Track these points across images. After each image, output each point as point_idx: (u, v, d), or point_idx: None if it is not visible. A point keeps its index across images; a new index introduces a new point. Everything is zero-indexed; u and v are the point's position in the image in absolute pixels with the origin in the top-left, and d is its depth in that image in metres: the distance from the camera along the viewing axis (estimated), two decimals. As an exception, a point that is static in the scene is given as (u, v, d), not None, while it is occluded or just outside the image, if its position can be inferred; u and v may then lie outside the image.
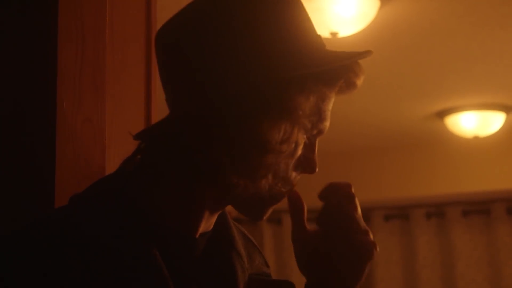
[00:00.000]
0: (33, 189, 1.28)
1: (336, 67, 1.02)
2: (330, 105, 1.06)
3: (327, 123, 1.07)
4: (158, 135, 1.04)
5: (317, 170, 1.07)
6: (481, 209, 5.85)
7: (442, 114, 4.79)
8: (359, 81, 1.07)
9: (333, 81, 1.04)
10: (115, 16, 1.44)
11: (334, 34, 3.14)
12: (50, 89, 1.30)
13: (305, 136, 1.04)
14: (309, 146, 1.06)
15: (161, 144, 1.04)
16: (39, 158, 1.29)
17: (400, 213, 6.05)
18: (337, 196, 1.08)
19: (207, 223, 1.08)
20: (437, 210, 5.95)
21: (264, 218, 1.08)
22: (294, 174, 1.06)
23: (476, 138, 4.84)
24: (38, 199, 1.27)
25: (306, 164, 1.06)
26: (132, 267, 0.97)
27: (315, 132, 1.05)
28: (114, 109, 1.41)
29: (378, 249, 1.07)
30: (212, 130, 0.98)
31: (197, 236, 1.06)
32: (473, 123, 4.71)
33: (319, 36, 1.05)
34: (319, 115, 1.04)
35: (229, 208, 1.13)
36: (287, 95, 0.99)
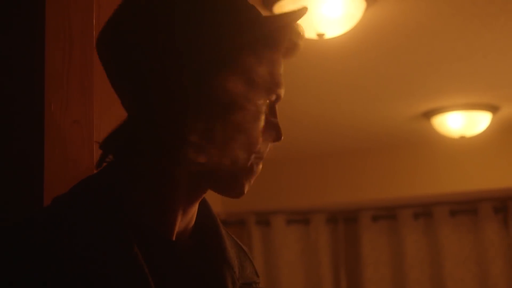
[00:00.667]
0: (22, 191, 1.28)
1: (278, 29, 1.05)
2: (281, 69, 1.08)
3: (282, 88, 1.08)
4: (120, 136, 1.04)
5: (282, 137, 1.08)
6: (469, 208, 5.88)
7: (429, 114, 4.80)
8: (301, 42, 1.10)
9: (277, 43, 1.06)
10: (103, 18, 1.44)
11: (320, 36, 3.15)
12: (38, 91, 1.30)
13: (265, 100, 1.05)
14: (271, 112, 1.08)
15: (128, 142, 1.04)
16: (27, 160, 1.29)
17: (388, 214, 6.07)
18: None
19: (185, 219, 1.08)
20: (425, 210, 5.98)
21: (243, 194, 1.08)
22: (260, 140, 1.06)
23: (462, 138, 4.86)
24: (27, 201, 1.27)
25: (271, 130, 1.07)
26: (112, 265, 0.97)
27: (273, 97, 1.07)
28: (102, 111, 1.41)
29: None
30: (174, 102, 0.99)
31: (174, 235, 1.07)
32: (460, 123, 4.73)
33: (254, 6, 1.08)
34: (272, 78, 1.05)
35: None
36: (241, 59, 1.01)
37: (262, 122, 1.05)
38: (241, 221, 6.13)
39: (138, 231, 1.02)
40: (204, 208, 1.15)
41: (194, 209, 1.10)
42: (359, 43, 3.54)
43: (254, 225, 6.13)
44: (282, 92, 1.08)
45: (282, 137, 1.08)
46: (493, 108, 4.72)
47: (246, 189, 1.07)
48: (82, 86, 1.37)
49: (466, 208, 5.89)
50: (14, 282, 0.93)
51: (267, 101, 1.05)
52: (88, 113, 1.37)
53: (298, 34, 1.08)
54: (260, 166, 1.08)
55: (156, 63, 0.99)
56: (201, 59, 0.99)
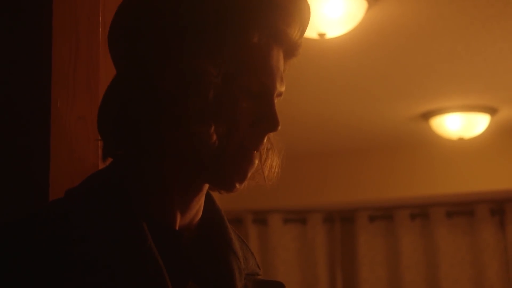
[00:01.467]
0: (28, 186, 1.28)
1: (253, 10, 1.02)
2: (272, 60, 1.05)
3: (273, 78, 1.05)
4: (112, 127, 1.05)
5: (279, 127, 1.05)
6: (465, 210, 5.90)
7: (427, 115, 4.81)
8: (292, 31, 1.07)
9: (264, 26, 1.03)
10: (109, 15, 1.45)
11: (322, 35, 3.16)
12: (44, 87, 1.31)
13: (248, 87, 1.03)
14: (264, 101, 1.05)
15: (123, 130, 1.04)
16: (33, 156, 1.29)
17: (384, 214, 6.09)
18: None
19: (189, 214, 1.09)
20: (422, 211, 5.99)
21: (238, 186, 1.06)
22: (248, 128, 1.04)
23: (460, 140, 4.87)
24: (32, 196, 1.28)
25: (264, 119, 1.05)
26: (127, 258, 0.98)
27: (256, 85, 1.04)
28: (107, 108, 1.42)
29: None
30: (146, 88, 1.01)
31: (177, 226, 1.07)
32: (458, 124, 4.74)
33: None
34: (259, 66, 1.03)
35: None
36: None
37: (242, 109, 1.03)
38: (238, 220, 6.14)
39: (146, 221, 1.02)
40: (209, 202, 1.15)
41: (199, 204, 1.11)
42: (359, 43, 3.55)
43: (251, 224, 6.14)
44: (274, 83, 1.06)
45: (279, 127, 1.06)
46: (491, 110, 4.73)
47: (237, 181, 1.06)
48: (88, 83, 1.38)
49: (463, 209, 5.91)
50: (30, 275, 0.94)
51: (253, 88, 1.04)
52: (93, 110, 1.37)
53: (286, 22, 1.06)
54: (254, 159, 1.06)
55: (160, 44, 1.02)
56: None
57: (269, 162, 1.14)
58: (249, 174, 1.07)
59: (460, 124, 4.73)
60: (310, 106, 4.67)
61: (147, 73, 1.01)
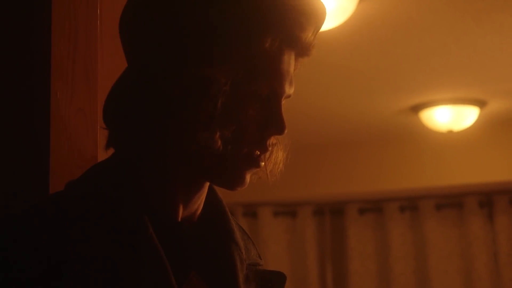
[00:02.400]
0: (28, 178, 1.30)
1: (275, 11, 1.01)
2: (283, 64, 1.04)
3: (284, 82, 1.05)
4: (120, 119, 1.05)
5: (285, 131, 1.06)
6: (454, 202, 5.92)
7: (417, 108, 4.83)
8: (305, 34, 1.06)
9: (277, 30, 1.02)
10: (106, 9, 1.46)
11: (313, 29, 3.17)
12: (44, 80, 1.32)
13: (256, 91, 1.03)
14: (271, 105, 1.05)
15: (130, 123, 1.04)
16: (34, 147, 1.31)
17: (374, 207, 6.11)
18: None
19: (192, 206, 1.10)
20: (411, 204, 6.01)
21: (241, 185, 1.06)
22: (254, 132, 1.04)
23: (450, 132, 4.89)
24: (33, 188, 1.29)
25: (272, 123, 1.05)
26: (128, 247, 0.99)
27: (266, 89, 1.04)
28: (105, 100, 1.43)
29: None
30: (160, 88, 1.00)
31: (179, 218, 1.08)
32: (448, 117, 4.76)
33: None
34: (258, 71, 1.02)
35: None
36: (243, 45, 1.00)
37: (248, 114, 1.03)
38: (228, 213, 6.14)
39: (147, 213, 1.03)
40: (211, 193, 1.16)
41: (201, 198, 1.12)
42: (351, 36, 3.56)
43: (241, 217, 6.14)
44: (283, 87, 1.05)
45: (286, 131, 1.06)
46: (480, 103, 4.75)
47: (242, 180, 1.07)
48: (87, 76, 1.40)
49: (452, 202, 5.93)
50: (30, 266, 0.94)
51: (262, 93, 1.04)
52: (92, 102, 1.39)
53: (299, 25, 1.05)
54: (260, 162, 1.07)
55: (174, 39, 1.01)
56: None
57: (273, 157, 1.14)
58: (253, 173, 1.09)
59: (450, 117, 4.75)
60: (299, 98, 4.67)
61: (156, 75, 1.01)
